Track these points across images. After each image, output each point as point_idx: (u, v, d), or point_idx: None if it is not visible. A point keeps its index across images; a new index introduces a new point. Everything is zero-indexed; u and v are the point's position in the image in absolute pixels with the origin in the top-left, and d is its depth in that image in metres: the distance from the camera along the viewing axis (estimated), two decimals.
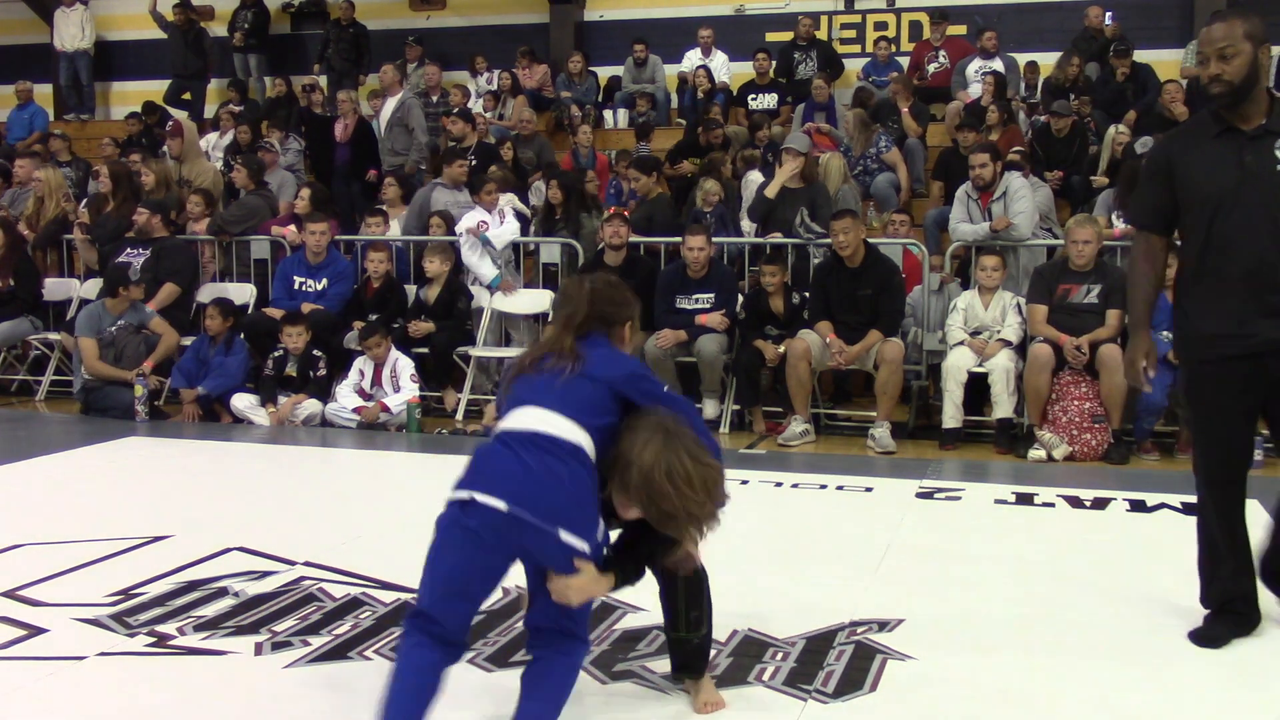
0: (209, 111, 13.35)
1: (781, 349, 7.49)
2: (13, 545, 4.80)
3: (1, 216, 9.65)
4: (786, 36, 12.85)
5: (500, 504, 2.70)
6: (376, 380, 7.83)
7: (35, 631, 3.83)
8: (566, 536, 2.73)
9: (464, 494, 2.75)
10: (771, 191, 8.29)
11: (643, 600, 4.09)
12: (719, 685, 3.35)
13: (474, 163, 10.29)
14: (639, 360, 3.04)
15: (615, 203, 9.71)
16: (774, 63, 12.46)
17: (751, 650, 3.67)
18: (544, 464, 2.74)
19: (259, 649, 3.70)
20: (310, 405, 7.80)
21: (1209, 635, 3.77)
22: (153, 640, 3.77)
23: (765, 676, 3.47)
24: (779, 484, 6.17)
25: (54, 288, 9.61)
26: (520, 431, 2.80)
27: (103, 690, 3.40)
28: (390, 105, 11.21)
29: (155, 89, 13.89)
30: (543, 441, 2.77)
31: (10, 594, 4.18)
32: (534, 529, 2.71)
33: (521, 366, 2.99)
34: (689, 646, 3.23)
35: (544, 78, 12.99)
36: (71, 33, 14.61)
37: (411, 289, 8.67)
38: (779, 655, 3.63)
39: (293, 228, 9.02)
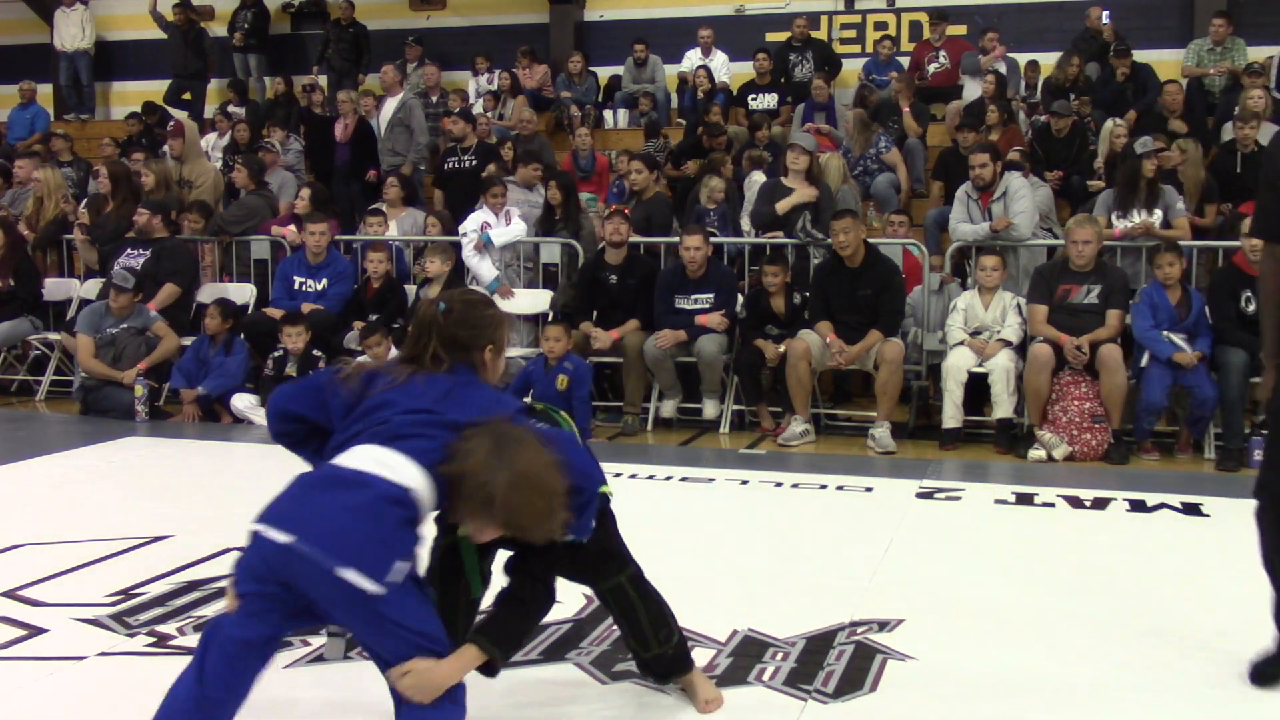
0: (209, 111, 13.35)
1: (782, 349, 7.49)
2: (13, 545, 4.81)
3: (1, 216, 9.65)
4: (786, 36, 12.84)
5: (282, 536, 2.43)
6: None
7: (35, 631, 3.83)
8: (345, 573, 2.39)
9: (255, 525, 2.50)
10: (783, 209, 8.24)
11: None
12: (719, 685, 3.35)
13: (474, 163, 10.30)
14: (495, 391, 2.82)
15: (617, 202, 9.70)
16: (773, 63, 12.46)
17: (751, 650, 3.67)
18: (343, 497, 2.48)
19: None
20: None
21: (1263, 673, 3.40)
22: (153, 640, 3.77)
23: (765, 676, 3.47)
24: (779, 484, 6.17)
25: (54, 288, 9.60)
26: (346, 469, 2.54)
27: (103, 690, 3.40)
28: (391, 105, 11.23)
29: (155, 89, 13.89)
30: (365, 479, 2.50)
31: (10, 594, 4.18)
32: (309, 564, 2.40)
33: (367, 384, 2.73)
34: (667, 657, 3.19)
35: (544, 78, 12.99)
36: (71, 33, 14.60)
37: (411, 289, 8.67)
38: (779, 655, 3.63)
39: (293, 228, 9.02)
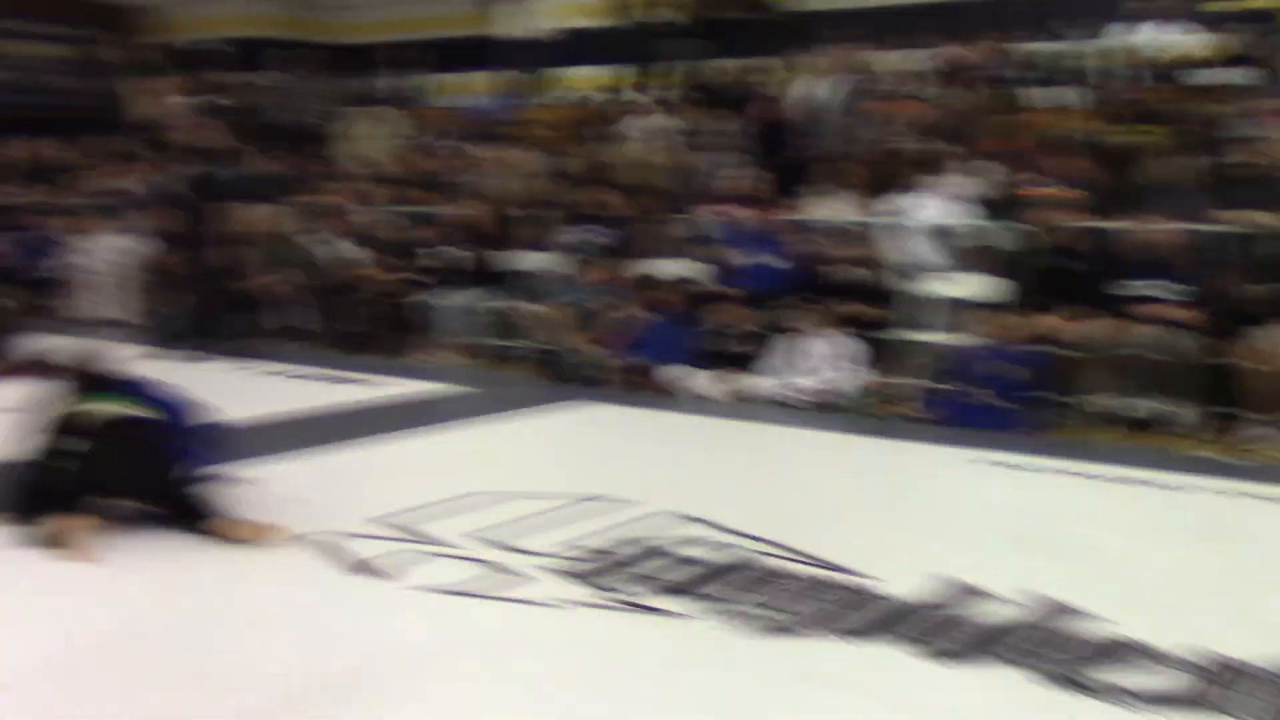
0: (653, 95, 13.91)
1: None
2: (488, 494, 5.26)
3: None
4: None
5: None
6: (820, 360, 7.84)
7: (519, 579, 4.18)
8: None
9: None
10: None
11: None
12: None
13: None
14: None
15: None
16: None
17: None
18: None
19: (715, 618, 3.82)
20: (756, 382, 7.95)
21: None
22: (622, 598, 3.99)
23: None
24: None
25: (520, 260, 10.26)
26: None
27: (576, 640, 3.66)
28: (821, 88, 11.13)
29: (602, 75, 14.70)
30: None
31: (494, 544, 4.57)
32: None
33: None
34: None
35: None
36: (529, 23, 15.92)
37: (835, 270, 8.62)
38: None
39: (731, 207, 9.30)
